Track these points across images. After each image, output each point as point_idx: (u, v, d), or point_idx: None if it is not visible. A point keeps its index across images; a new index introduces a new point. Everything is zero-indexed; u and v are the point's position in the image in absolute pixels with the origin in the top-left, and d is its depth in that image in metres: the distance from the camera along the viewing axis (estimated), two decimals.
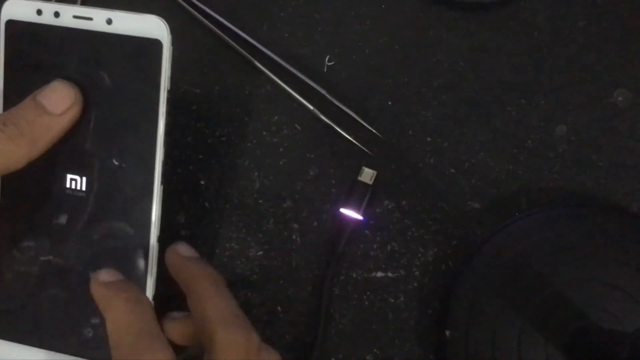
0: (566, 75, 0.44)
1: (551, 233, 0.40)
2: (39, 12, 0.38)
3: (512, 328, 0.38)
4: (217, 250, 0.42)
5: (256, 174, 0.43)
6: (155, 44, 0.37)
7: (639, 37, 0.44)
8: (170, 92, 0.36)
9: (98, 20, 0.37)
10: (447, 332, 0.39)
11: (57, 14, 0.38)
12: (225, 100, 0.44)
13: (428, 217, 0.42)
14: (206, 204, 0.42)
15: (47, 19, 0.38)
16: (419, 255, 0.42)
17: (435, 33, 0.44)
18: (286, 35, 0.45)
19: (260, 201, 0.43)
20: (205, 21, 0.44)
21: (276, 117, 0.44)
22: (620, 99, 0.43)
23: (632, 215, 0.41)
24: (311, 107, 0.43)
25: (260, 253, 0.42)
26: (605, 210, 0.41)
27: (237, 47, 0.44)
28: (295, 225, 0.43)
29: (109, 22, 0.37)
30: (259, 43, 0.44)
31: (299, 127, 0.44)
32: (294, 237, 0.42)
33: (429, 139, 0.43)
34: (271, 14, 0.45)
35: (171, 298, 0.34)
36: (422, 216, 0.42)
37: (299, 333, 0.41)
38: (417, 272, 0.42)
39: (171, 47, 0.36)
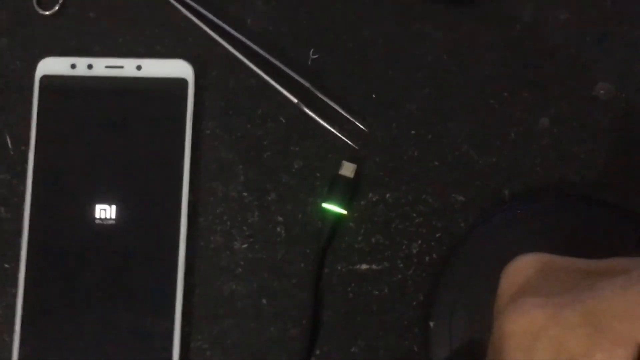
0: (548, 68, 0.44)
1: (534, 225, 0.40)
2: (73, 66, 0.42)
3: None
4: (202, 243, 0.42)
5: (240, 166, 0.43)
6: (181, 82, 0.41)
7: (621, 31, 0.44)
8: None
9: (128, 67, 0.42)
10: (431, 324, 0.39)
11: (90, 66, 0.42)
12: (209, 94, 0.44)
13: (412, 209, 0.43)
14: (190, 197, 0.42)
15: (80, 71, 0.42)
16: (403, 247, 0.42)
17: (419, 26, 0.44)
18: (270, 28, 0.45)
19: (245, 194, 0.43)
20: (189, 14, 0.44)
21: (260, 110, 0.44)
22: (602, 92, 0.44)
23: (613, 207, 0.42)
24: (295, 100, 0.43)
25: (245, 246, 0.42)
26: (586, 202, 0.41)
27: (221, 40, 0.44)
28: (280, 218, 0.43)
29: (139, 68, 0.42)
30: (243, 36, 0.44)
31: (283, 120, 0.44)
32: (278, 229, 0.42)
33: (413, 132, 0.43)
34: (255, 6, 0.45)
35: None
36: (406, 209, 0.43)
37: (284, 325, 0.42)
38: (401, 265, 0.42)
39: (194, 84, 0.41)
